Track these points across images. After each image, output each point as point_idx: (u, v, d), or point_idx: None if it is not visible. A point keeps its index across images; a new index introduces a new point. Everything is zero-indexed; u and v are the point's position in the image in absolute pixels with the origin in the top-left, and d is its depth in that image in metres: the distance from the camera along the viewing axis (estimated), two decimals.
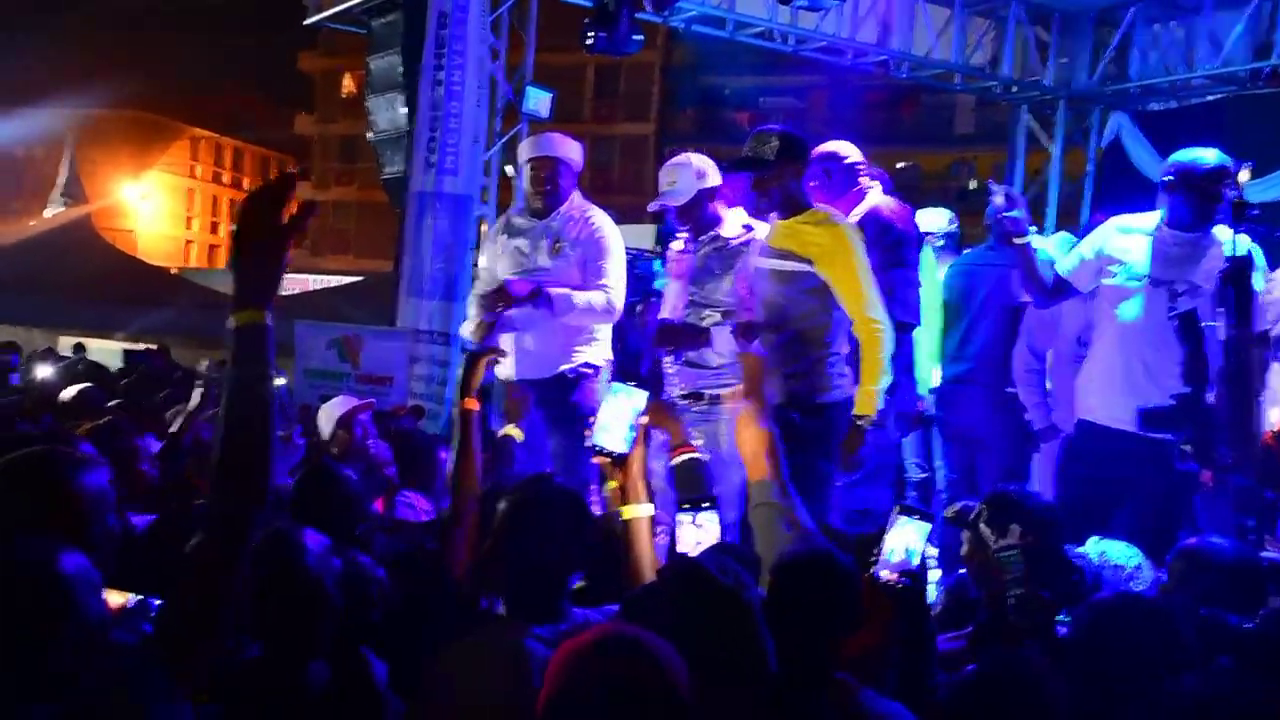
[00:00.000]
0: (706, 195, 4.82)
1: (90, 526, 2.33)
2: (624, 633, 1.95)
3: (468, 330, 5.44)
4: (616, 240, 5.28)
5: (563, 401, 5.23)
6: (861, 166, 5.18)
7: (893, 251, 4.76)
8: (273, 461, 2.03)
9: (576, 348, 5.31)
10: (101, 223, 33.90)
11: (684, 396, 4.91)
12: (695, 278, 4.87)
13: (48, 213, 27.23)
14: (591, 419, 3.16)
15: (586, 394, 5.25)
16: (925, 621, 2.83)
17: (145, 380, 9.09)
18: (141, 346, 14.70)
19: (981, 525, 3.27)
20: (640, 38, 8.66)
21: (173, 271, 33.00)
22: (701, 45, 29.79)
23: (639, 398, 3.08)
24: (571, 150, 5.36)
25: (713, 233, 4.85)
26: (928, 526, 2.72)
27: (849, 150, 5.16)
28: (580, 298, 5.09)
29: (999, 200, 4.74)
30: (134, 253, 33.25)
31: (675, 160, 4.91)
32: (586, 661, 1.86)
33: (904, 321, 4.65)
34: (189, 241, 56.87)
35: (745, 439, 3.35)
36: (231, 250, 2.11)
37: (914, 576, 2.71)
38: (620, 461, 3.07)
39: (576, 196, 5.34)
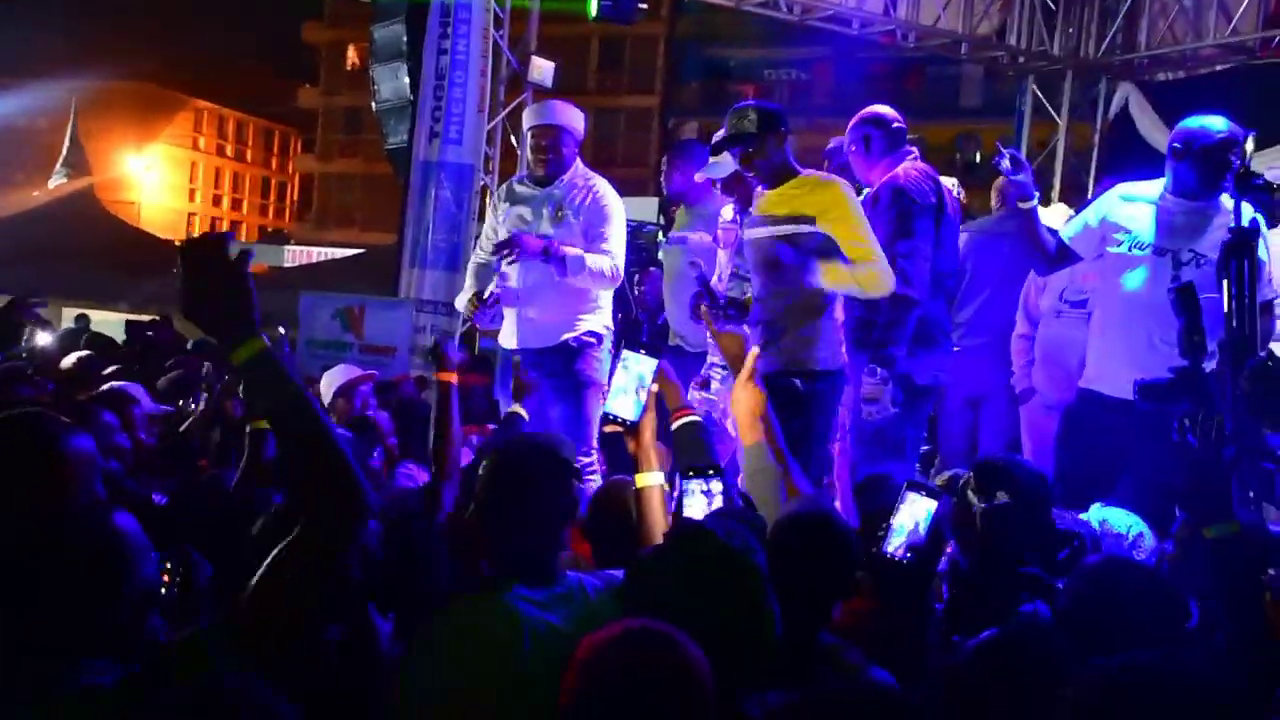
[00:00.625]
0: None
1: (76, 491, 2.32)
2: (647, 627, 1.94)
3: (462, 303, 5.45)
4: (618, 207, 5.30)
5: (566, 370, 5.24)
6: (903, 131, 5.07)
7: (900, 221, 4.71)
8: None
9: (579, 316, 5.32)
10: (104, 195, 33.85)
11: (722, 365, 4.97)
12: (740, 248, 4.93)
13: (51, 184, 27.16)
14: (605, 387, 3.19)
15: (589, 362, 5.27)
16: (927, 595, 2.83)
17: (153, 351, 9.10)
18: (145, 318, 14.69)
19: (969, 492, 3.25)
20: (644, 6, 8.62)
21: (176, 243, 32.94)
22: (707, 16, 29.71)
23: (648, 364, 3.09)
24: (574, 118, 5.38)
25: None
26: (934, 503, 2.71)
27: (892, 114, 5.04)
28: (590, 260, 5.10)
29: (1006, 164, 4.71)
30: (137, 225, 33.25)
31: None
32: (609, 656, 1.86)
33: (904, 295, 4.61)
34: (191, 214, 56.77)
35: (738, 402, 3.37)
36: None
37: (919, 551, 2.71)
38: (632, 428, 3.07)
39: (579, 164, 5.37)
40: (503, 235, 5.27)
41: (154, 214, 50.53)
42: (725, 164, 4.91)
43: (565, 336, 5.27)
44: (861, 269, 4.33)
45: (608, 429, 3.16)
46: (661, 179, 5.92)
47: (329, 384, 5.24)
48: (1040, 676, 2.31)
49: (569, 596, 2.44)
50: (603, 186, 5.33)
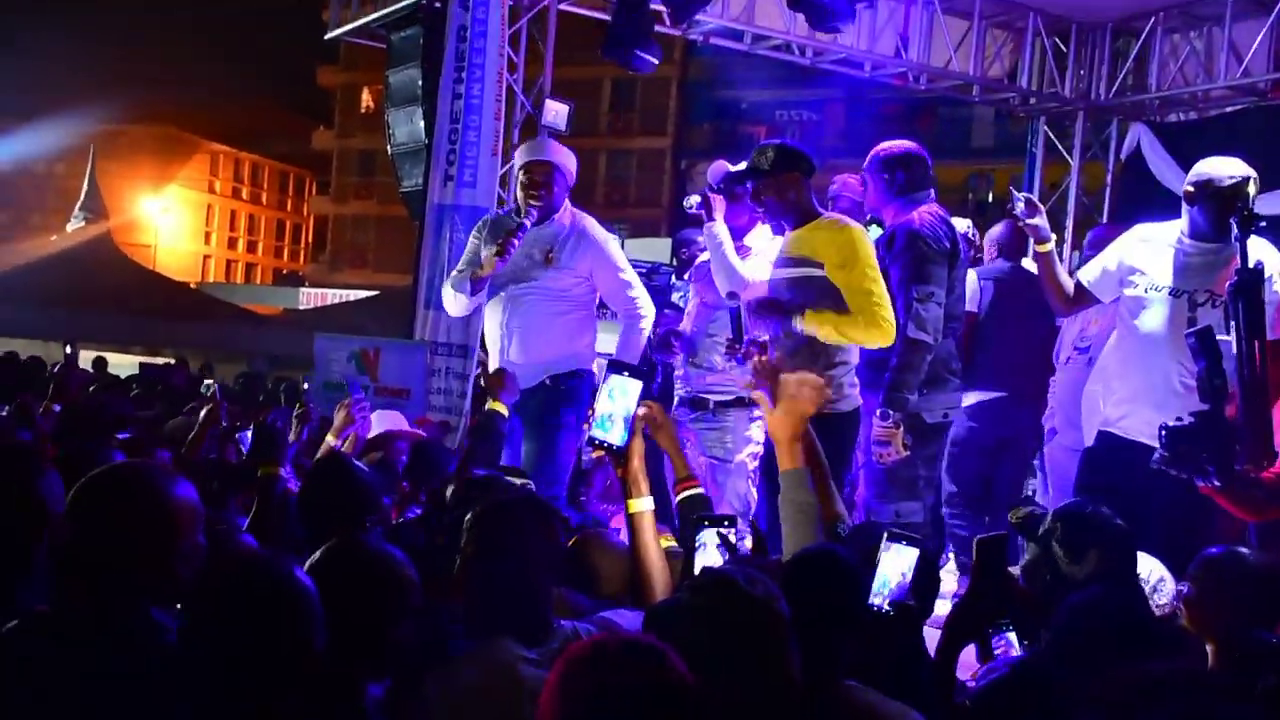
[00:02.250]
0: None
1: (180, 540, 2.33)
2: (625, 640, 1.92)
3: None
4: (613, 241, 5.39)
5: (541, 407, 5.22)
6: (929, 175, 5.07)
7: (915, 266, 4.72)
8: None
9: (563, 354, 5.31)
10: (120, 237, 34.07)
11: (691, 403, 4.99)
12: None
13: (69, 227, 27.38)
14: (590, 412, 3.15)
15: (570, 402, 5.25)
16: (918, 640, 2.81)
17: (169, 393, 9.15)
18: (160, 360, 14.77)
19: (1054, 543, 3.27)
20: (654, 60, 8.69)
21: (191, 286, 33.19)
22: (718, 59, 29.88)
23: (634, 387, 3.05)
24: (568, 159, 5.43)
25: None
26: (916, 551, 2.69)
27: (923, 156, 5.04)
28: (636, 343, 5.27)
29: (1020, 207, 4.73)
30: (152, 267, 33.44)
31: None
32: (588, 671, 1.81)
33: (918, 340, 4.64)
34: (207, 256, 57.16)
35: (777, 426, 3.33)
36: None
37: (899, 606, 2.69)
38: (618, 454, 3.04)
39: (567, 204, 5.40)
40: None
41: (170, 257, 50.89)
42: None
43: (546, 376, 5.27)
44: (854, 321, 4.37)
45: (594, 454, 3.14)
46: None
47: (378, 424, 5.23)
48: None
49: (566, 648, 2.40)
50: (592, 225, 5.38)
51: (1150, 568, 3.51)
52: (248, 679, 2.05)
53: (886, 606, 2.66)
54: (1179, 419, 3.76)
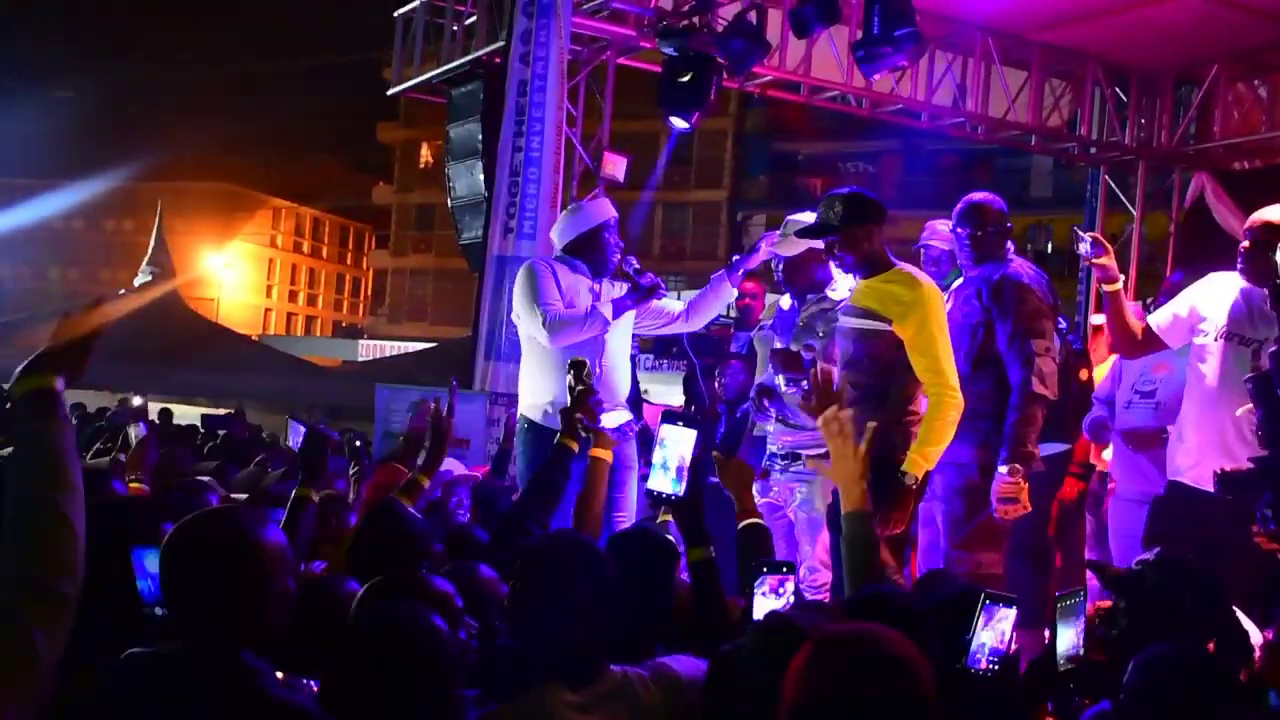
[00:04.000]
0: (814, 255, 4.91)
1: (272, 584, 2.36)
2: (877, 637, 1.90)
3: None
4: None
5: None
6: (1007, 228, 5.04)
7: (1032, 320, 4.70)
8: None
9: (620, 402, 5.41)
10: (185, 291, 34.67)
11: (782, 456, 4.93)
12: (796, 336, 4.97)
13: (136, 282, 27.88)
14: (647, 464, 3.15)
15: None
16: (1016, 701, 2.75)
17: (230, 441, 9.28)
18: (221, 411, 14.97)
19: (1145, 590, 3.20)
20: (684, 124, 8.75)
21: (253, 338, 33.64)
22: (775, 110, 29.99)
23: (688, 437, 3.03)
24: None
25: (820, 294, 4.98)
26: (1014, 611, 2.64)
27: (1003, 208, 5.03)
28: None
29: (1085, 247, 4.68)
30: (216, 320, 33.97)
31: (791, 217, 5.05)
32: (838, 667, 1.79)
33: (1040, 394, 4.61)
34: (269, 309, 58.00)
35: (840, 467, 3.30)
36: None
37: (1004, 660, 2.63)
38: (678, 504, 3.02)
39: None
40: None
41: (232, 310, 51.71)
42: (794, 243, 4.94)
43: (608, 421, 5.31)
44: (935, 415, 4.32)
45: (654, 506, 3.13)
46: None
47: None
48: None
49: (614, 693, 2.36)
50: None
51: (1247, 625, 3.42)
52: None
53: (988, 665, 2.59)
54: (1236, 466, 3.72)
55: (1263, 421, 3.75)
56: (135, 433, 5.58)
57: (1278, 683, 2.95)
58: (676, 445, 3.02)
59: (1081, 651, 2.80)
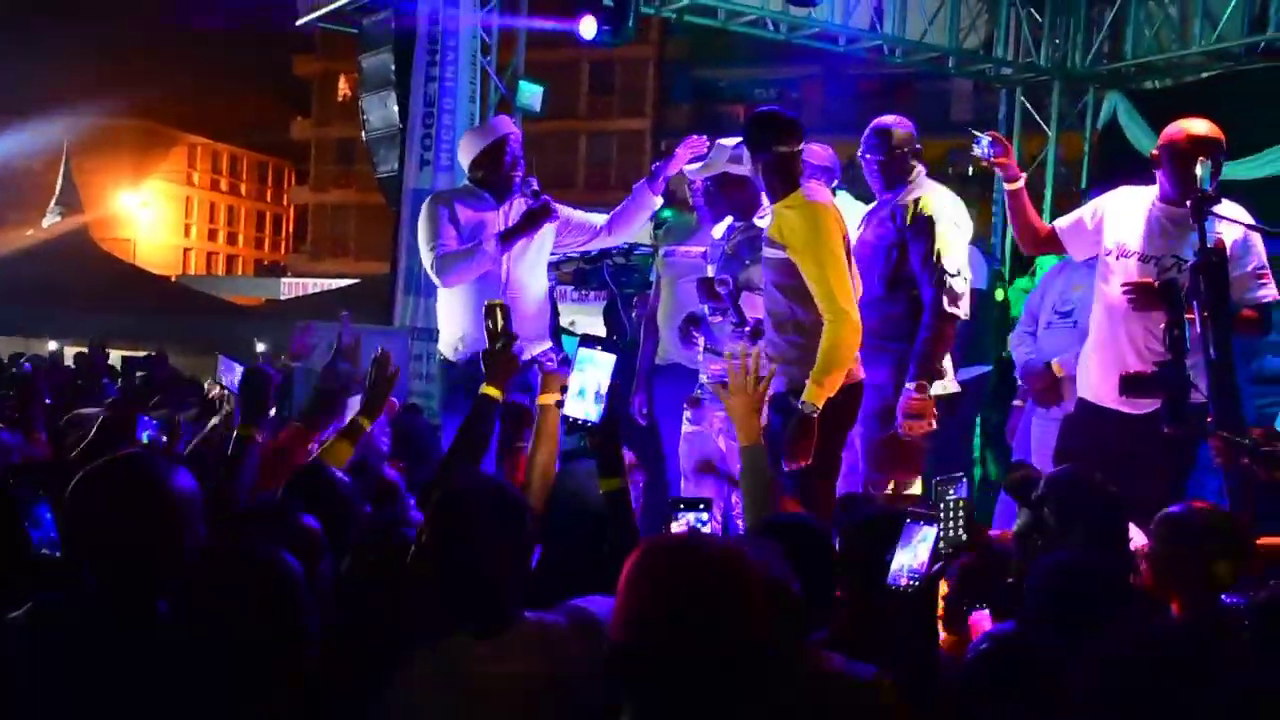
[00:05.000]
0: (733, 181, 4.88)
1: (183, 531, 2.33)
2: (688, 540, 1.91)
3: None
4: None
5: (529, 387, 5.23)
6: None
7: (942, 241, 4.71)
8: None
9: (542, 330, 5.48)
10: (100, 233, 33.90)
11: (711, 383, 4.95)
12: (722, 265, 4.94)
13: (45, 223, 27.23)
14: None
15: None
16: (932, 619, 2.80)
17: (151, 386, 9.15)
18: (141, 354, 14.69)
19: (1045, 510, 3.28)
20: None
21: (172, 279, 33.02)
22: (695, 38, 29.79)
23: (606, 361, 2.99)
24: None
25: (748, 222, 4.92)
26: (934, 529, 2.67)
27: (911, 129, 5.01)
28: None
29: (983, 149, 4.69)
30: (133, 261, 33.27)
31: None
32: (651, 568, 1.77)
33: (952, 313, 4.66)
34: (188, 249, 56.83)
35: (735, 404, 3.39)
36: None
37: (922, 581, 2.66)
38: (596, 429, 3.00)
39: None
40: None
41: (150, 251, 50.61)
42: (713, 166, 4.89)
43: (534, 351, 5.28)
44: (831, 340, 4.23)
45: (570, 433, 3.10)
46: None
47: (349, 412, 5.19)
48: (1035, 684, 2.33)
49: (529, 643, 2.32)
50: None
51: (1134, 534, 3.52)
52: (242, 668, 2.06)
53: (907, 582, 2.62)
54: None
55: (1167, 326, 3.86)
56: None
57: (1159, 590, 3.05)
58: (595, 370, 2.97)
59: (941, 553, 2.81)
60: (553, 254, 5.69)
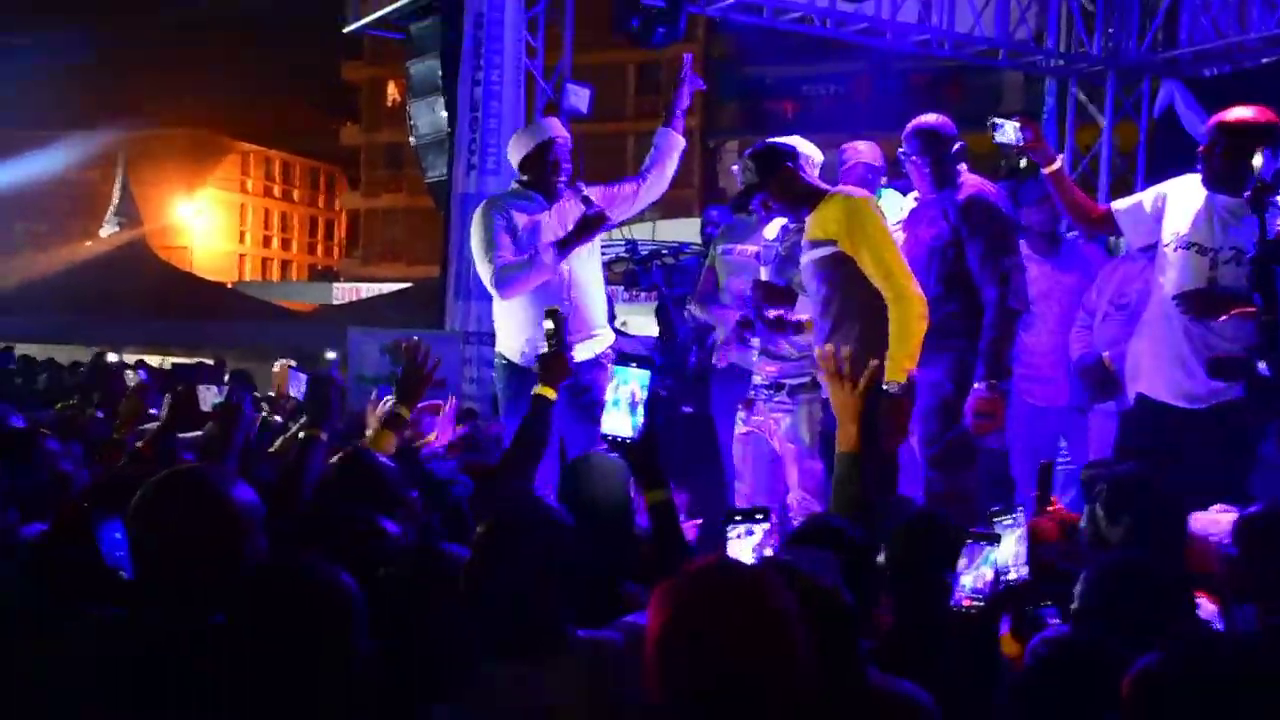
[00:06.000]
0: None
1: (243, 543, 2.34)
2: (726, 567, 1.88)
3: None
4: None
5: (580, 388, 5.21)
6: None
7: (1001, 238, 4.71)
8: None
9: (596, 331, 5.41)
10: (157, 241, 34.37)
11: (766, 387, 4.93)
12: (778, 267, 4.96)
13: (103, 233, 27.65)
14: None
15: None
16: (994, 640, 2.73)
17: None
18: (194, 361, 14.87)
19: (1097, 506, 3.24)
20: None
21: (227, 286, 33.42)
22: (742, 36, 29.67)
23: (641, 378, 3.00)
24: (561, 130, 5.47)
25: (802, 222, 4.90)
26: (995, 547, 2.61)
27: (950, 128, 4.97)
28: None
29: (1009, 133, 4.61)
30: (189, 269, 33.72)
31: None
32: (687, 599, 1.77)
33: (1014, 309, 4.63)
34: (242, 255, 57.55)
35: (836, 405, 3.42)
36: None
37: (986, 602, 2.60)
38: (633, 446, 2.98)
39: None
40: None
41: (206, 257, 51.32)
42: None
43: (590, 351, 5.27)
44: (900, 316, 4.27)
45: (612, 451, 3.10)
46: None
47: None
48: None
49: (581, 663, 2.27)
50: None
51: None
52: (288, 684, 2.04)
53: (970, 604, 2.54)
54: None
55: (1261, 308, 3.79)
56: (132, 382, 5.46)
57: (1238, 594, 2.97)
58: (629, 386, 3.00)
59: (1025, 568, 2.76)
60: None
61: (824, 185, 4.58)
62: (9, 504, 3.30)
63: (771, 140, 4.68)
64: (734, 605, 1.73)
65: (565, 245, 5.16)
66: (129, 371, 5.71)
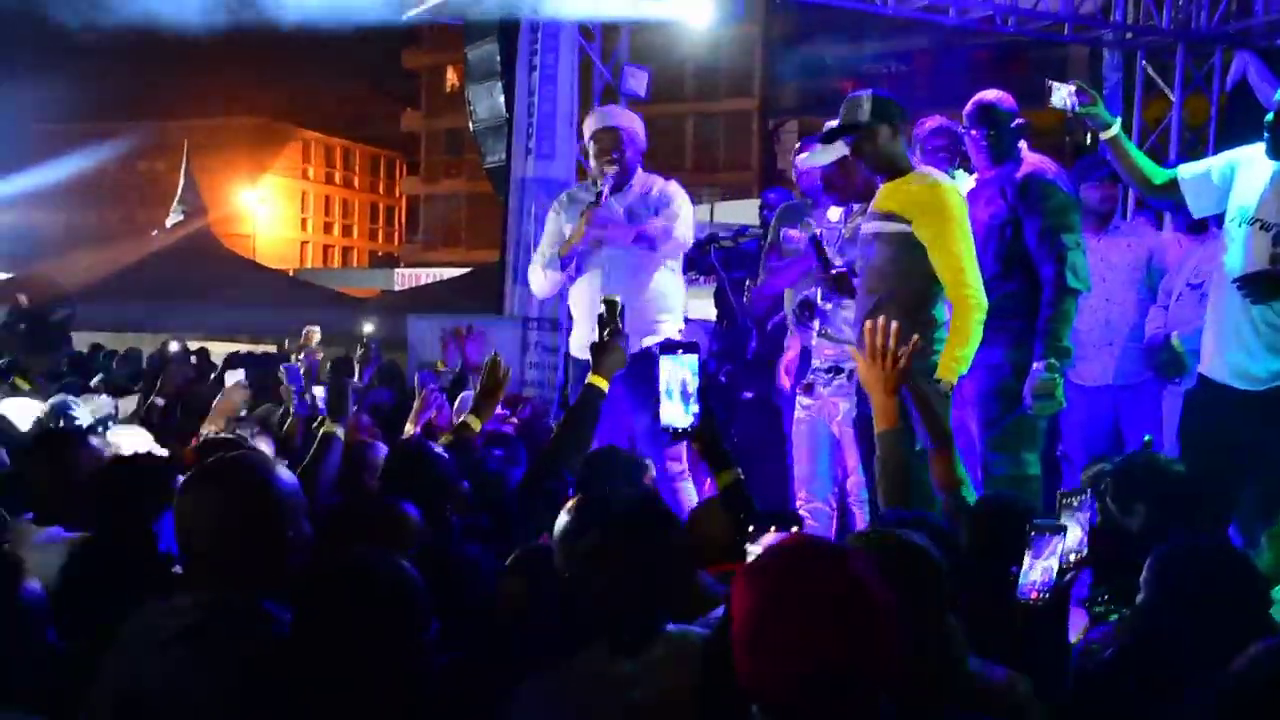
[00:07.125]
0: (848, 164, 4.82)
1: (285, 526, 2.35)
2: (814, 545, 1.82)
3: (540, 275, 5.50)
4: (685, 199, 5.35)
5: (647, 378, 5.13)
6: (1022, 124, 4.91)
7: (1062, 215, 4.63)
8: None
9: (659, 319, 5.29)
10: (220, 229, 34.82)
11: (825, 370, 4.88)
12: (842, 250, 4.89)
13: (169, 223, 28.06)
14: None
15: None
16: (1063, 632, 2.67)
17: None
18: (259, 349, 15.04)
19: (1108, 499, 3.15)
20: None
21: (290, 273, 33.80)
22: (801, 14, 29.43)
23: (689, 363, 2.95)
24: (636, 123, 5.39)
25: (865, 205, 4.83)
26: (1061, 538, 2.53)
27: (1010, 104, 4.88)
28: (663, 224, 5.22)
29: (1065, 96, 4.46)
30: (253, 257, 34.14)
31: None
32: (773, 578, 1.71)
33: (1074, 289, 4.56)
34: (304, 243, 58.19)
35: (868, 384, 3.33)
36: None
37: (1052, 594, 2.52)
38: (692, 434, 2.94)
39: (640, 171, 5.39)
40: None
41: (268, 245, 51.96)
42: (831, 151, 4.80)
43: (647, 342, 5.18)
44: (961, 320, 4.23)
45: (673, 442, 3.08)
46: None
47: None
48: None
49: (670, 658, 2.21)
50: (672, 186, 5.35)
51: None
52: (358, 673, 2.03)
53: (1040, 595, 2.47)
54: None
55: None
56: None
57: None
58: (678, 373, 2.95)
59: (1086, 550, 2.68)
60: None
61: (913, 160, 4.49)
62: (46, 504, 3.31)
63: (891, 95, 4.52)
64: (825, 585, 1.66)
65: (563, 253, 5.30)
66: (228, 372, 5.70)
